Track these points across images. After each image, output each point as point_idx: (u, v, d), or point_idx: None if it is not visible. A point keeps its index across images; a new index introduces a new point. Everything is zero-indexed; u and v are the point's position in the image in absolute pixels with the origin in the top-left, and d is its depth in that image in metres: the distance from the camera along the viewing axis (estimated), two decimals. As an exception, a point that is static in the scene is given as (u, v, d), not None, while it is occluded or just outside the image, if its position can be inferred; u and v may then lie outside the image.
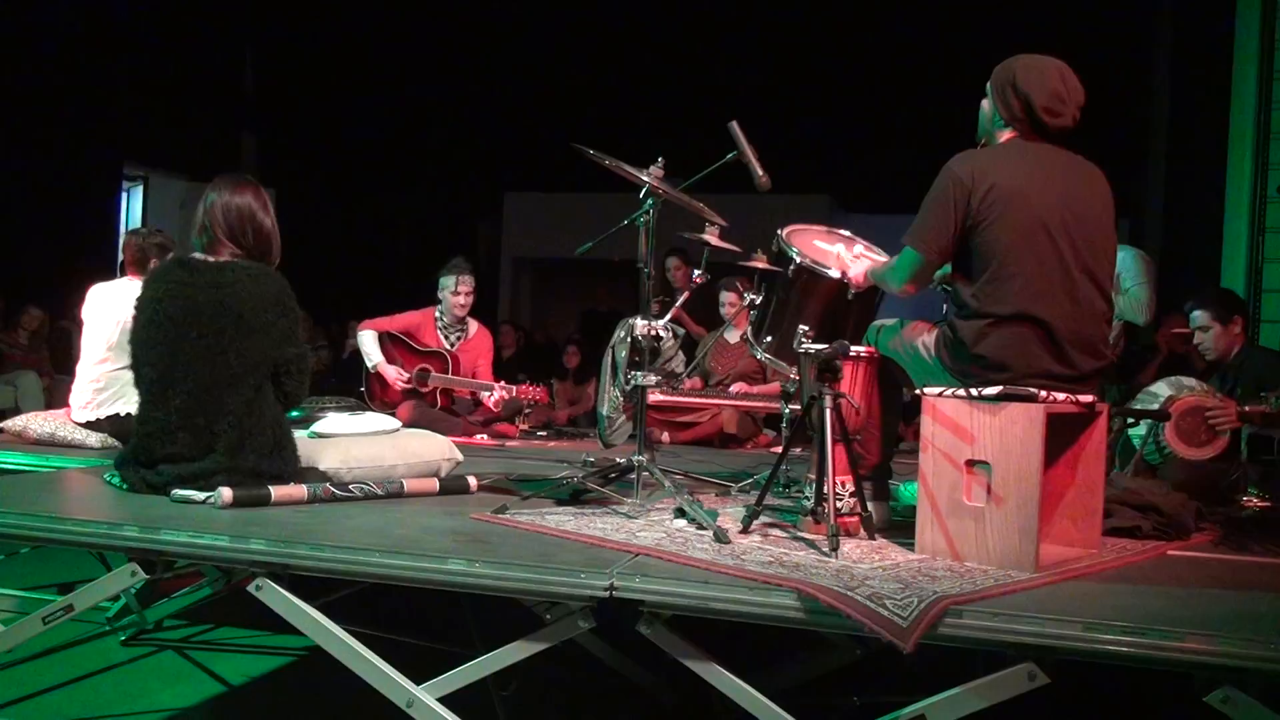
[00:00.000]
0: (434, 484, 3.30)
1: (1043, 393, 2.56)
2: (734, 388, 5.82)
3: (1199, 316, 4.46)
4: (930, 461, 2.63)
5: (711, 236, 3.36)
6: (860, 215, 12.06)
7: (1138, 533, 2.97)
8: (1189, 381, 3.97)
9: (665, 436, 5.71)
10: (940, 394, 2.67)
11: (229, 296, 2.95)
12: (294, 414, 3.52)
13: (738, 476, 3.84)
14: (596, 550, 2.49)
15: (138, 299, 3.05)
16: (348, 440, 3.37)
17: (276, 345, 3.01)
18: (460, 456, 3.59)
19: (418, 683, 2.33)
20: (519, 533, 2.69)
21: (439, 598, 2.78)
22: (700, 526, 2.76)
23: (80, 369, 4.18)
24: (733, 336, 6.11)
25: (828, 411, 2.71)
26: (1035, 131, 2.72)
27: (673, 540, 2.62)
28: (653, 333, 3.15)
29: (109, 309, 4.08)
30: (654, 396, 4.65)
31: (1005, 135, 2.78)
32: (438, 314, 5.77)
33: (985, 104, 2.85)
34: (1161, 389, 3.92)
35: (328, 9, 12.27)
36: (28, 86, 9.70)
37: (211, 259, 3.04)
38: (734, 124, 3.26)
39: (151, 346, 2.98)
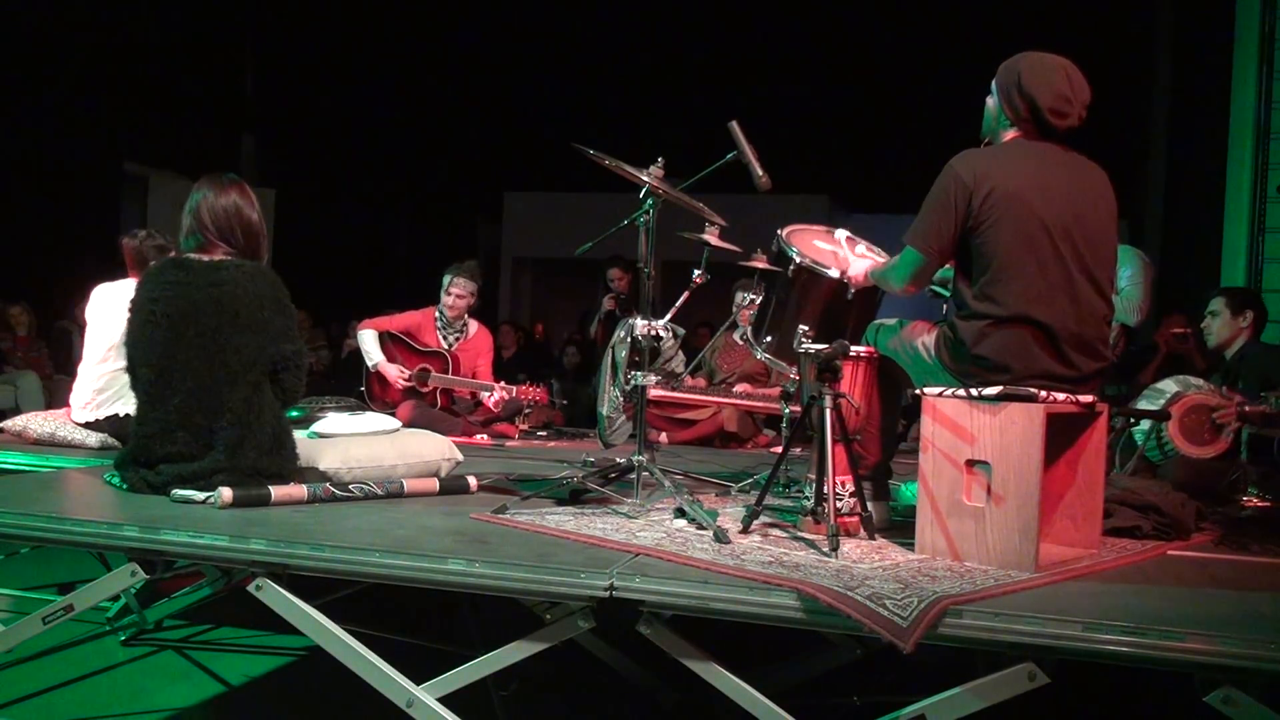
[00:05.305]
0: (434, 484, 3.30)
1: (1042, 393, 2.56)
2: (737, 387, 5.83)
3: (1215, 302, 4.61)
4: (930, 461, 2.63)
5: (711, 236, 3.35)
6: (860, 215, 12.08)
7: (1138, 533, 2.97)
8: (1196, 380, 3.97)
9: (663, 438, 5.70)
10: (940, 394, 2.67)
11: (225, 295, 2.95)
12: (293, 414, 3.52)
13: (738, 476, 3.84)
14: (596, 550, 2.49)
15: (132, 300, 3.04)
16: (348, 440, 3.36)
17: (274, 342, 3.01)
18: (460, 456, 3.59)
19: (418, 683, 2.33)
20: (519, 533, 2.69)
21: (439, 598, 2.78)
22: (700, 526, 2.76)
23: (81, 369, 4.18)
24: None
25: (828, 411, 2.71)
26: (1040, 132, 2.71)
27: (673, 540, 2.62)
28: (653, 333, 3.15)
29: (112, 309, 4.07)
30: (655, 392, 4.65)
31: (1010, 135, 2.76)
32: (437, 314, 5.77)
33: (990, 102, 2.82)
34: (1169, 386, 3.92)
35: (327, 9, 12.27)
36: (28, 86, 9.70)
37: (205, 258, 3.04)
38: (734, 124, 3.26)
39: (149, 347, 2.98)
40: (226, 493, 2.79)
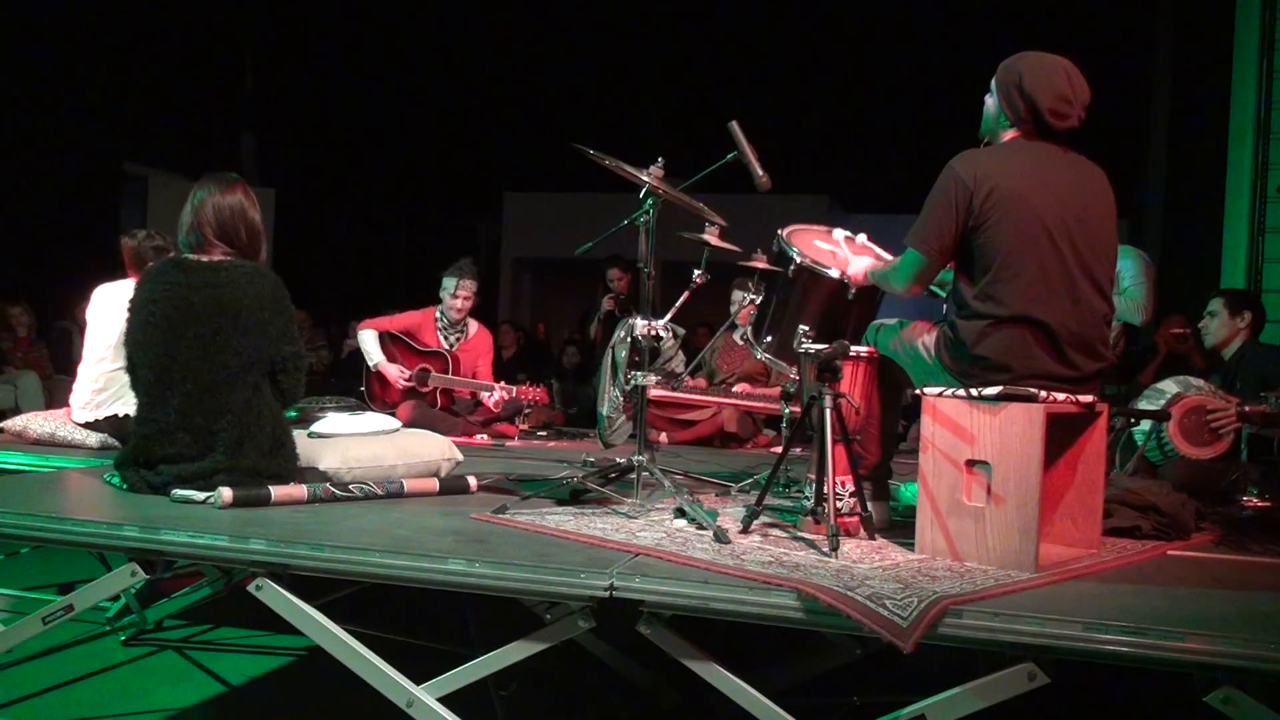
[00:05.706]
0: (434, 484, 3.30)
1: (1042, 393, 2.56)
2: (737, 388, 5.83)
3: (1214, 302, 4.66)
4: (930, 461, 2.63)
5: (711, 236, 3.35)
6: (860, 215, 12.08)
7: (1138, 533, 2.97)
8: (1196, 381, 3.97)
9: (664, 438, 5.70)
10: (940, 394, 2.67)
11: (225, 296, 2.95)
12: (292, 414, 3.52)
13: (738, 476, 3.84)
14: (596, 550, 2.49)
15: (131, 301, 3.04)
16: (348, 440, 3.36)
17: (273, 343, 3.01)
18: (460, 456, 3.59)
19: (418, 683, 2.33)
20: (519, 533, 2.69)
21: (439, 598, 2.78)
22: (700, 526, 2.76)
23: (81, 369, 4.18)
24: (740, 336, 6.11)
25: (828, 411, 2.71)
26: (1040, 133, 2.70)
27: (673, 540, 2.62)
28: (653, 333, 3.15)
29: (112, 309, 4.07)
30: (655, 392, 4.64)
31: (1009, 135, 2.76)
32: (438, 314, 5.77)
33: (990, 102, 2.82)
34: (1169, 386, 3.92)
35: (327, 9, 12.28)
36: (28, 86, 9.70)
37: (205, 259, 3.03)
38: (734, 124, 3.25)
39: (149, 348, 2.98)
40: (226, 493, 2.79)
